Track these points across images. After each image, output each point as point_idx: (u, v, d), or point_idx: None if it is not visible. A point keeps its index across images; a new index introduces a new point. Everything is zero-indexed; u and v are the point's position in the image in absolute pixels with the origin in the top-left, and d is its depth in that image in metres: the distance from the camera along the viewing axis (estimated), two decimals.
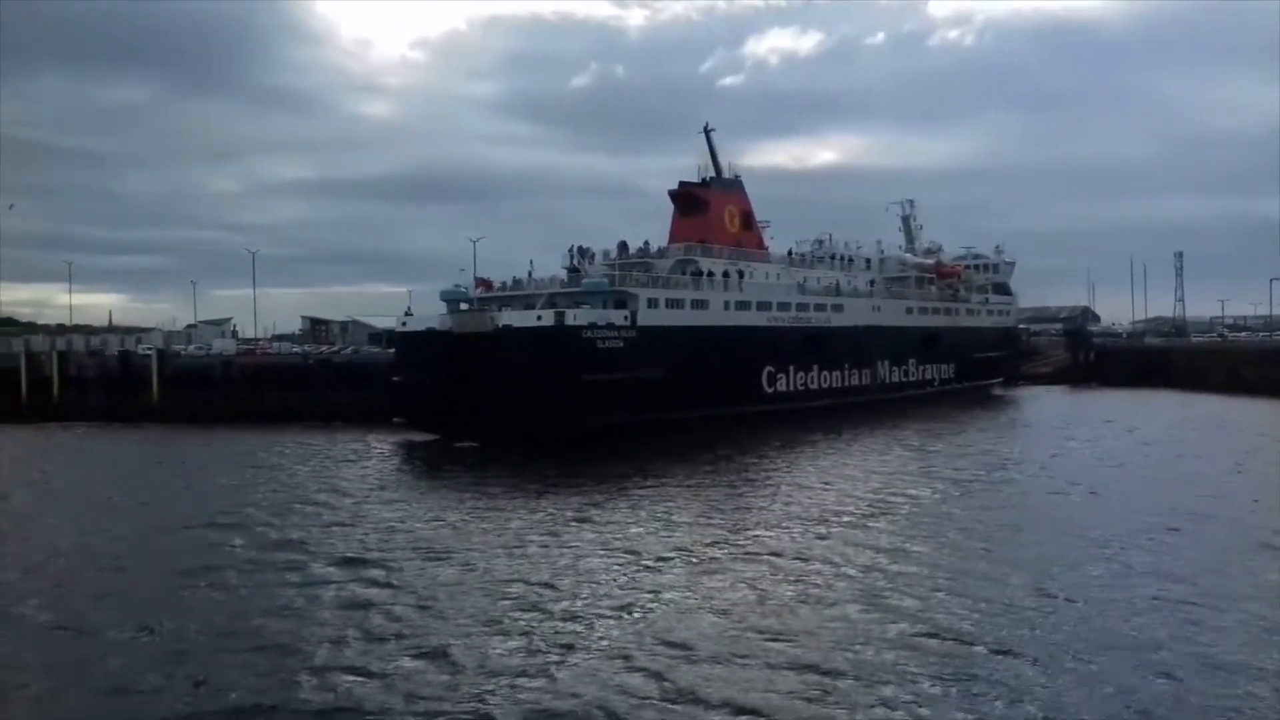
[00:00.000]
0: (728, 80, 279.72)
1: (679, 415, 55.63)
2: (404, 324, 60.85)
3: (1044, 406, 79.48)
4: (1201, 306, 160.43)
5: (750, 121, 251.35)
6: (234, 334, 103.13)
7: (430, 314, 60.97)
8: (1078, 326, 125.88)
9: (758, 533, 29.72)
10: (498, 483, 40.31)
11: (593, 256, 65.96)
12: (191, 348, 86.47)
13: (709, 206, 69.71)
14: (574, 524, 31.29)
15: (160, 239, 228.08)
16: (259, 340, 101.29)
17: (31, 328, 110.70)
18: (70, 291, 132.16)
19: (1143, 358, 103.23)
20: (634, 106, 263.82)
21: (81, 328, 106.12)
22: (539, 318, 54.06)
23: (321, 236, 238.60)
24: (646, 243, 68.22)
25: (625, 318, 55.92)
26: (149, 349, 79.24)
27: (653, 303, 58.36)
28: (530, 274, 63.63)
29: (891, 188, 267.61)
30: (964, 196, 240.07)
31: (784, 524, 30.81)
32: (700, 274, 64.24)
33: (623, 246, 67.42)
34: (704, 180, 71.54)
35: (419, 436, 55.76)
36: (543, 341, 52.73)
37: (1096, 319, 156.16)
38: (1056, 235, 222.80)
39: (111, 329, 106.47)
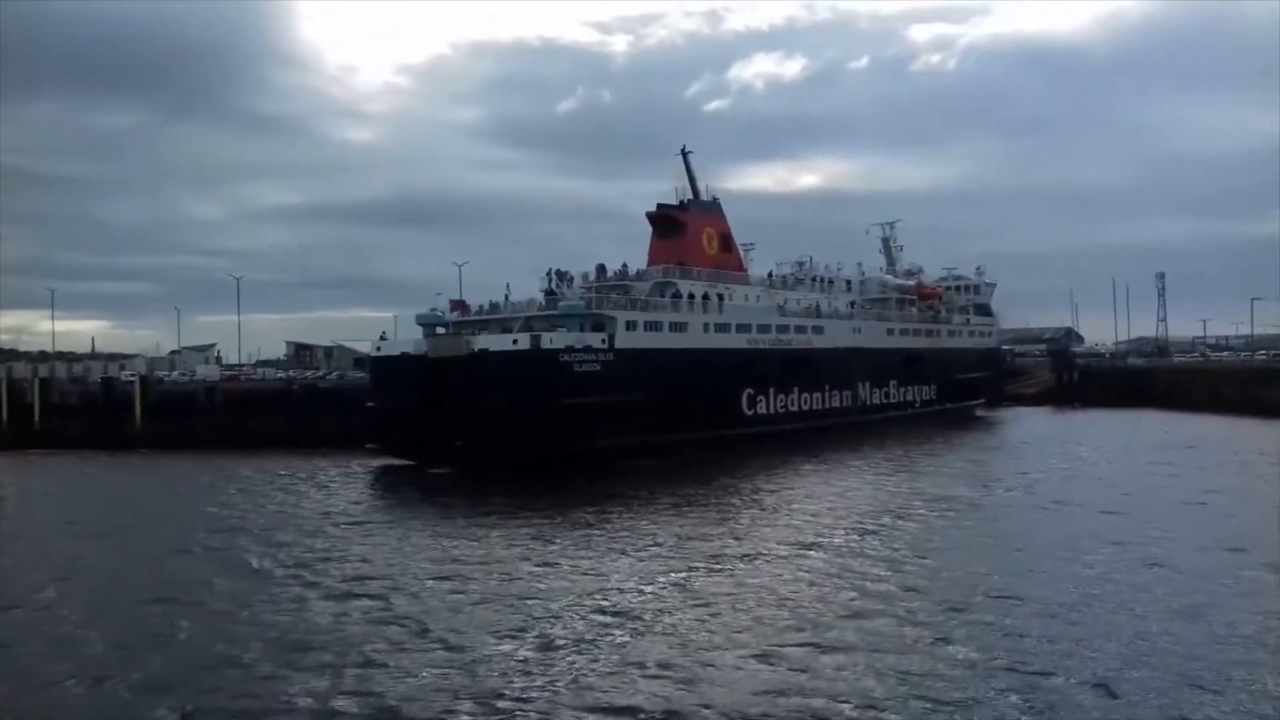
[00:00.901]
0: (713, 104, 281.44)
1: (658, 439, 55.24)
2: (379, 348, 60.65)
3: (1029, 428, 79.17)
4: (1183, 327, 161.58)
5: (735, 145, 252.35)
6: (218, 360, 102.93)
7: (406, 338, 60.85)
8: (1061, 347, 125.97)
9: (755, 551, 29.84)
10: (480, 506, 40.19)
11: (571, 279, 65.80)
12: (175, 374, 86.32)
13: (686, 229, 69.79)
14: (570, 546, 31.49)
15: (144, 265, 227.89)
16: (243, 366, 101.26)
17: (13, 355, 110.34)
18: (53, 318, 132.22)
19: (1126, 378, 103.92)
20: (620, 131, 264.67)
21: (64, 354, 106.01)
22: (515, 341, 53.83)
23: (307, 262, 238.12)
24: (625, 265, 68.23)
25: (603, 341, 55.76)
26: (132, 375, 79.15)
27: (631, 325, 58.26)
28: (507, 297, 63.36)
29: (874, 211, 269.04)
30: (945, 219, 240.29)
31: (781, 543, 30.96)
32: (679, 296, 64.25)
33: (601, 269, 67.30)
34: (682, 203, 71.58)
35: (395, 462, 55.60)
36: (519, 365, 52.59)
37: (1080, 339, 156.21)
38: (1038, 257, 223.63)
39: (94, 356, 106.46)
